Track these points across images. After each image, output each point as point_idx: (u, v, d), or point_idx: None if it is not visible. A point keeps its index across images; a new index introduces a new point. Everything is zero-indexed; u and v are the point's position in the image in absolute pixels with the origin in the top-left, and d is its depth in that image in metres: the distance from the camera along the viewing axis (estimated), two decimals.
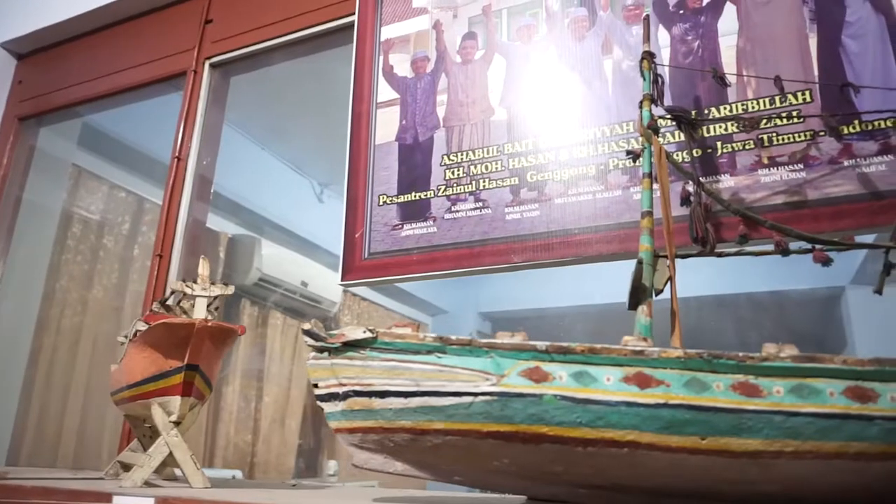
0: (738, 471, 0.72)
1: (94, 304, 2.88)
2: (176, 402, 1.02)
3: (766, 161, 1.19)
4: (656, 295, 0.97)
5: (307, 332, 0.90)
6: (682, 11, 1.33)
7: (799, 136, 1.18)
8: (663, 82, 1.14)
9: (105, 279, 3.00)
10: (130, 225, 3.15)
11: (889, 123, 1.12)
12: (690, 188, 1.09)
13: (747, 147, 1.21)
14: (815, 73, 1.20)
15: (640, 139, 1.14)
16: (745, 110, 1.22)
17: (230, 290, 1.08)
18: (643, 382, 0.74)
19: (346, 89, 1.67)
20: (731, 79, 1.22)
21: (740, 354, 0.73)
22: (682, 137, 1.21)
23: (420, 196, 1.48)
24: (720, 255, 1.01)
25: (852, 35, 1.19)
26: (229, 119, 3.74)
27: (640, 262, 0.95)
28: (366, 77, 1.64)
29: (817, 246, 0.99)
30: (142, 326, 1.10)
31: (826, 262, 0.99)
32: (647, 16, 1.22)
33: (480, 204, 1.41)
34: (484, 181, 1.42)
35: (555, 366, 0.77)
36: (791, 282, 5.08)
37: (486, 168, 1.43)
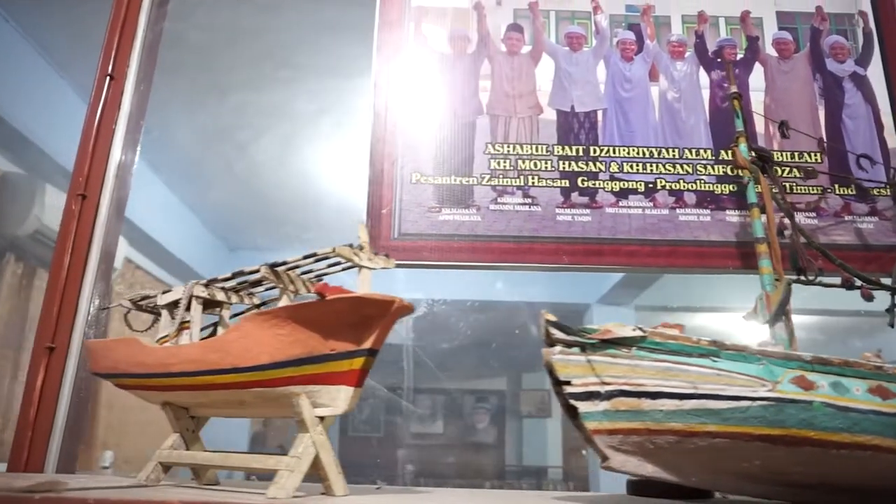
0: None
1: None
2: (342, 392, 0.83)
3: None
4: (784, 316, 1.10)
5: (556, 325, 0.83)
6: (718, 60, 1.50)
7: (812, 190, 1.42)
8: (747, 122, 1.28)
9: None
10: None
11: (876, 192, 1.42)
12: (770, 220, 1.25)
13: (773, 191, 1.41)
14: (819, 138, 1.45)
15: (740, 171, 1.27)
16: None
17: (392, 263, 0.92)
18: (884, 394, 0.85)
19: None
20: (767, 129, 1.42)
21: None
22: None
23: (461, 181, 1.41)
24: (810, 283, 1.18)
25: (850, 115, 1.47)
26: (24, 28, 3.01)
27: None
28: (393, 42, 1.50)
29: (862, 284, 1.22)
30: (297, 297, 0.87)
31: (870, 298, 1.23)
32: (731, 61, 1.36)
33: (529, 200, 1.40)
34: (533, 178, 1.42)
35: (817, 375, 0.84)
36: (553, 296, 5.83)
37: (535, 165, 1.42)
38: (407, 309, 0.85)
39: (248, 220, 5.10)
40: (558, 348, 0.83)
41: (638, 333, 0.82)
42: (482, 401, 7.81)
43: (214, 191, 4.59)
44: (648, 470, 0.83)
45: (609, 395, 0.81)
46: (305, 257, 0.91)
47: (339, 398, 0.84)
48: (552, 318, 0.83)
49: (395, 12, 1.53)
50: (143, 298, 1.07)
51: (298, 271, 0.96)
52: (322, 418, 0.86)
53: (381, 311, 0.83)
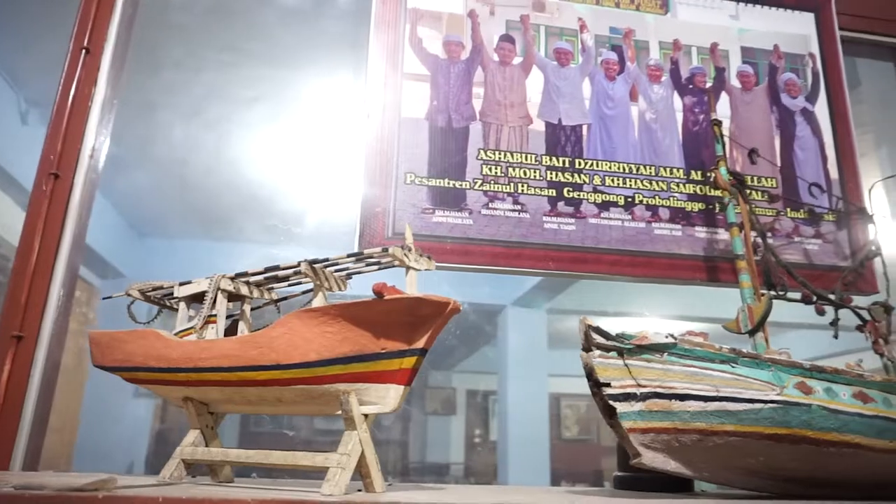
0: None
1: None
2: (392, 390, 0.84)
3: None
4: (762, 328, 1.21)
5: (597, 330, 0.89)
6: (691, 86, 1.62)
7: (768, 212, 1.56)
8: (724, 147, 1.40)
9: None
10: None
11: (823, 217, 1.58)
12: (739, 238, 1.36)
13: (736, 210, 1.54)
14: (779, 166, 1.60)
15: (720, 192, 1.38)
16: None
17: (433, 265, 0.93)
18: (864, 398, 0.97)
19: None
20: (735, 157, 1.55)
21: None
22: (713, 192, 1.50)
23: (455, 184, 1.45)
24: (780, 297, 1.30)
25: (800, 146, 1.63)
26: None
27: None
28: (389, 42, 1.51)
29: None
30: (321, 299, 0.86)
31: (822, 313, 1.37)
32: (710, 90, 1.47)
33: (519, 207, 1.46)
34: (522, 185, 1.47)
35: (814, 381, 0.94)
36: (469, 296, 5.92)
37: (525, 173, 1.48)
38: (457, 310, 0.88)
39: (164, 207, 4.86)
40: (597, 352, 0.88)
41: (670, 340, 0.89)
42: None
43: (132, 172, 4.34)
44: (672, 466, 0.90)
45: (644, 397, 0.88)
46: (349, 255, 0.92)
47: (388, 396, 0.85)
48: (592, 323, 0.89)
49: (390, 12, 1.54)
50: (155, 289, 1.03)
51: (332, 269, 0.96)
52: (366, 416, 0.87)
53: (437, 312, 0.85)
